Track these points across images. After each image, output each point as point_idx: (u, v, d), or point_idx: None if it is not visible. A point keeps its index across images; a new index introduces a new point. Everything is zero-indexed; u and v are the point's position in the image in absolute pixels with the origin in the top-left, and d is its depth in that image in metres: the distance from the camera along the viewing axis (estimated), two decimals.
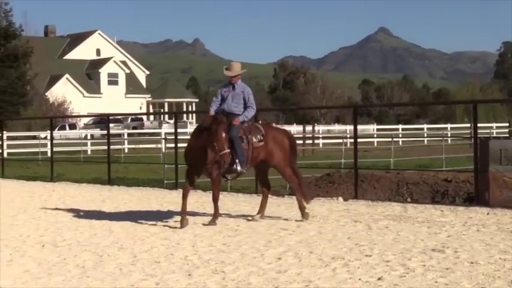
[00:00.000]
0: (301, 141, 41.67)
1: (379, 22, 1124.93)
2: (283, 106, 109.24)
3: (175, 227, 13.12)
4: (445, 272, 8.83)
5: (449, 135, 45.48)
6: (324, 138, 50.49)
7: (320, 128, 64.12)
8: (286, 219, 13.97)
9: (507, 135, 39.72)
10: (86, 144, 47.54)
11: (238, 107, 13.72)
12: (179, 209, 15.86)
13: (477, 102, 18.41)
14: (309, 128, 52.67)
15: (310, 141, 44.65)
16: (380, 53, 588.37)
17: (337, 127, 69.70)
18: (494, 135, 35.41)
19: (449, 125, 63.64)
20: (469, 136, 36.32)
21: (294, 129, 51.04)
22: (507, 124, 53.68)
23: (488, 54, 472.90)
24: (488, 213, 14.24)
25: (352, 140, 22.73)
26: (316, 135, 49.78)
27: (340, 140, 33.37)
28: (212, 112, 13.53)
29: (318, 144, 47.51)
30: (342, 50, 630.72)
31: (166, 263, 9.90)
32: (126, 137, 53.56)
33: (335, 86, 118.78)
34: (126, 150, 45.11)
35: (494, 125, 57.50)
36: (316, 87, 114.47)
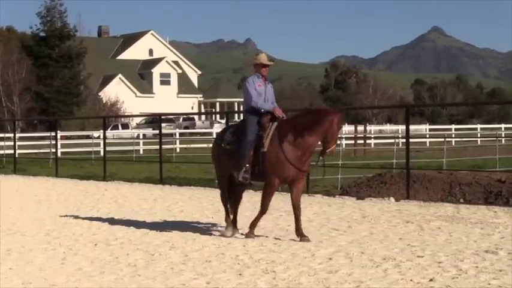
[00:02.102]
0: (353, 141, 41.55)
1: (432, 21, 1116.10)
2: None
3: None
4: (498, 274, 8.72)
5: (503, 135, 45.00)
6: (375, 138, 50.20)
7: (372, 128, 63.81)
8: (338, 220, 13.92)
9: None
10: (138, 144, 47.89)
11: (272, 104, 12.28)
12: None
13: None
14: (360, 128, 52.39)
15: (362, 141, 44.48)
16: (433, 53, 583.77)
17: (389, 127, 69.28)
18: None
19: (503, 125, 62.90)
20: None
21: (346, 129, 50.81)
22: None
23: None
24: None
25: (404, 140, 22.56)
26: (367, 135, 49.55)
27: (392, 140, 33.17)
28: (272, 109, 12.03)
29: (370, 144, 47.26)
30: (394, 50, 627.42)
31: (217, 262, 9.93)
32: (177, 136, 53.82)
33: (387, 86, 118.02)
34: (178, 150, 45.33)
35: None
36: (368, 87, 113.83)
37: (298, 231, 11.66)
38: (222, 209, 15.97)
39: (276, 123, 11.81)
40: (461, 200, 17.07)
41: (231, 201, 12.55)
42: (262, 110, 11.89)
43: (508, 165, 24.91)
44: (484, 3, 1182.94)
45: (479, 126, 67.96)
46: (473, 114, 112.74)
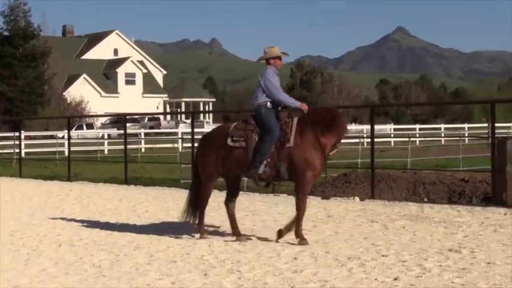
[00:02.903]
0: None
1: (396, 22, 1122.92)
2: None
3: (192, 227, 13.13)
4: (461, 273, 8.79)
5: (466, 135, 45.30)
6: None
7: None
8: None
9: None
10: (103, 144, 47.63)
11: None
12: None
13: (495, 102, 18.28)
14: None
15: None
16: (397, 53, 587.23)
17: (354, 127, 69.47)
18: None
19: (466, 125, 63.35)
20: (486, 136, 36.21)
21: None
22: None
23: (506, 54, 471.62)
24: (505, 214, 14.17)
25: (369, 140, 22.65)
26: None
27: (357, 140, 33.31)
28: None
29: None
30: (359, 50, 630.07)
31: (182, 262, 9.92)
32: (143, 136, 53.69)
33: (352, 86, 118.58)
34: (143, 150, 45.18)
35: None
36: (333, 86, 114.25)
37: (298, 234, 11.35)
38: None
39: (296, 118, 11.52)
40: (425, 199, 17.19)
41: (203, 203, 12.09)
42: (293, 106, 11.65)
43: (471, 165, 25.13)
44: (447, 3, 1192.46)
45: (443, 126, 68.41)
46: (437, 114, 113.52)
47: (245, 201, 17.08)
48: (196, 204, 12.11)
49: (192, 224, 12.14)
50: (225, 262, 9.81)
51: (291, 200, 17.02)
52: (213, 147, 11.76)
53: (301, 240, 11.17)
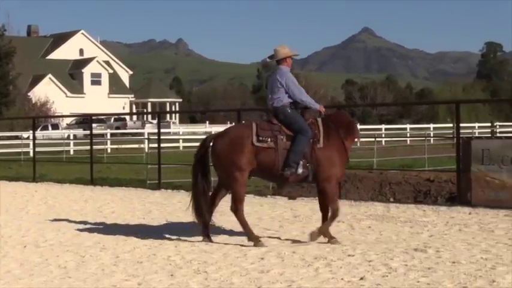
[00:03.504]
0: None
1: (362, 22, 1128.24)
2: (267, 106, 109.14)
3: (157, 227, 13.10)
4: (427, 272, 8.85)
5: (432, 135, 45.65)
6: None
7: None
8: (269, 219, 13.96)
9: (489, 135, 39.87)
10: (68, 145, 47.39)
11: None
12: (161, 209, 15.89)
13: (460, 103, 18.45)
14: None
15: None
16: (363, 53, 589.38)
17: None
18: (477, 135, 35.59)
19: (432, 125, 63.75)
20: (451, 136, 36.43)
21: None
22: (489, 124, 53.87)
23: (470, 55, 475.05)
24: (470, 213, 14.30)
25: None
26: None
27: None
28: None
29: None
30: (326, 50, 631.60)
31: (149, 263, 9.89)
32: (109, 137, 53.41)
33: (318, 86, 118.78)
34: (109, 151, 44.97)
35: (477, 125, 57.75)
36: None
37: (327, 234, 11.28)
38: (154, 208, 15.98)
39: (320, 119, 11.49)
40: (391, 199, 17.30)
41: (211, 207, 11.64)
42: (313, 107, 11.57)
43: (437, 165, 25.29)
44: (414, 4, 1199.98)
45: (408, 126, 68.77)
46: (403, 114, 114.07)
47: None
48: (208, 205, 11.56)
49: (206, 224, 11.61)
50: (191, 263, 9.80)
51: (256, 200, 17.08)
52: (239, 148, 11.19)
53: (333, 240, 11.12)
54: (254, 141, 11.20)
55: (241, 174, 11.21)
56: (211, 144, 11.62)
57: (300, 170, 11.19)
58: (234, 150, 11.20)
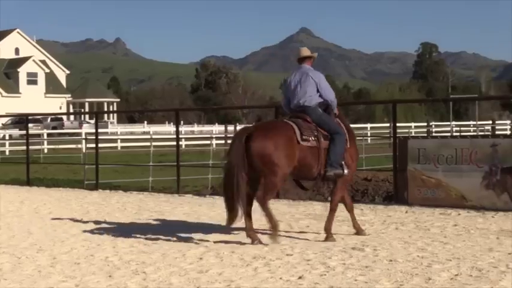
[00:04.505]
0: (223, 141, 41.72)
1: (300, 23, 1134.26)
2: (205, 106, 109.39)
3: (95, 228, 12.99)
4: (364, 270, 8.93)
5: (369, 134, 45.95)
6: None
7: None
8: (208, 219, 13.95)
9: (425, 134, 40.41)
10: (4, 145, 46.75)
11: None
12: (99, 210, 15.77)
13: (396, 102, 18.69)
14: (230, 127, 52.65)
15: None
16: None
17: None
18: (413, 134, 36.00)
19: (369, 125, 64.31)
20: (388, 135, 36.85)
21: (216, 129, 50.95)
22: (425, 124, 54.62)
23: (407, 55, 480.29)
24: (406, 212, 14.46)
25: None
26: None
27: None
28: None
29: None
30: (264, 50, 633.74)
31: (87, 264, 9.80)
32: (45, 137, 52.79)
33: (257, 86, 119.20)
34: (46, 151, 44.46)
35: (413, 124, 58.45)
36: (238, 87, 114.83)
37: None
38: (92, 209, 15.84)
39: (338, 120, 11.65)
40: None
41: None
42: (335, 108, 11.79)
43: (374, 164, 25.52)
44: (351, 4, 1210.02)
45: None
46: None
47: (150, 201, 17.01)
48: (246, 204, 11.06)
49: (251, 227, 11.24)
50: (129, 263, 9.74)
51: (196, 200, 17.06)
52: (287, 145, 10.86)
53: (330, 238, 11.30)
54: (299, 139, 11.02)
55: (283, 171, 10.94)
56: (250, 142, 10.90)
57: (346, 171, 11.34)
58: (281, 148, 10.83)
